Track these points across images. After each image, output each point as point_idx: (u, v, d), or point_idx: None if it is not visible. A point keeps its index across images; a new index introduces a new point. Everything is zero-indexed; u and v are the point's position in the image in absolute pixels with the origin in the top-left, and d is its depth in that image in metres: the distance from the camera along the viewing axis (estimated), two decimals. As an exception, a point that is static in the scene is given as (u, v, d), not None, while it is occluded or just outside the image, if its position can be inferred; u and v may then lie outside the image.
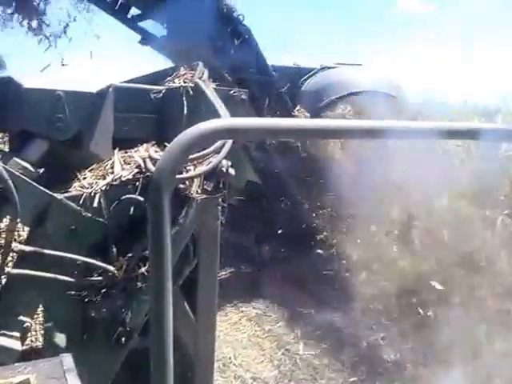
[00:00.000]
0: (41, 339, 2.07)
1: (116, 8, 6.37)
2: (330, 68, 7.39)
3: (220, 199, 2.20)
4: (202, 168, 2.00)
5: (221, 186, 2.13)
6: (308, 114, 6.53)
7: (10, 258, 1.94)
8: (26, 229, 1.98)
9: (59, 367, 1.35)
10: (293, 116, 6.47)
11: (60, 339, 2.02)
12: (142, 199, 2.05)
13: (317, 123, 1.33)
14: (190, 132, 1.07)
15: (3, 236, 1.91)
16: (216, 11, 5.90)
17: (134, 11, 6.56)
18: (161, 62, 6.76)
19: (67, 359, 1.39)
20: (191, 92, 2.25)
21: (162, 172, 1.04)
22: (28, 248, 1.95)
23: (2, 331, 1.90)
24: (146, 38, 6.62)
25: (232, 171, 2.10)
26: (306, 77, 7.16)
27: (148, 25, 6.66)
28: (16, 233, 1.93)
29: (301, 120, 1.27)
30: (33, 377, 1.29)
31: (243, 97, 2.42)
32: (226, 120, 1.23)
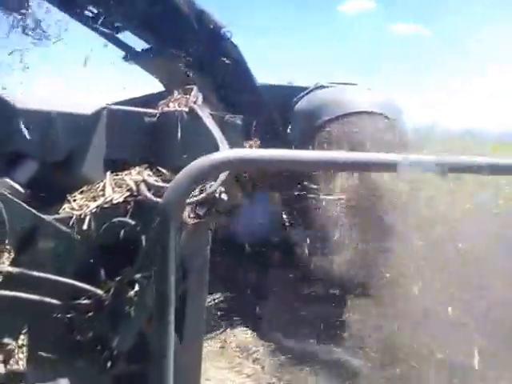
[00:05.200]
0: (24, 362, 2.11)
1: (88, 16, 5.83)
2: (324, 87, 7.47)
3: (210, 224, 2.27)
4: (200, 194, 2.08)
5: (212, 210, 2.21)
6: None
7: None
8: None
9: None
10: (282, 137, 6.49)
11: (45, 362, 2.05)
12: (132, 222, 2.12)
13: (327, 155, 1.43)
14: (198, 163, 1.13)
15: None
16: (202, 28, 5.74)
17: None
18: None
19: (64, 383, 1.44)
20: (186, 117, 2.34)
21: (170, 203, 1.09)
22: (15, 269, 2.00)
23: None
24: (129, 54, 6.42)
25: (225, 197, 2.18)
26: (299, 96, 7.23)
27: (128, 38, 6.33)
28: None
29: (309, 152, 1.39)
30: None
31: (238, 122, 2.53)
32: (234, 151, 1.32)
